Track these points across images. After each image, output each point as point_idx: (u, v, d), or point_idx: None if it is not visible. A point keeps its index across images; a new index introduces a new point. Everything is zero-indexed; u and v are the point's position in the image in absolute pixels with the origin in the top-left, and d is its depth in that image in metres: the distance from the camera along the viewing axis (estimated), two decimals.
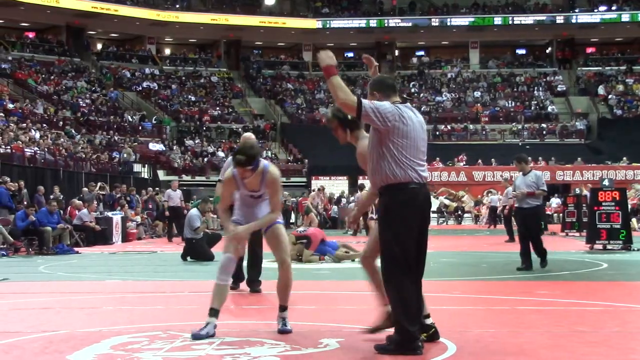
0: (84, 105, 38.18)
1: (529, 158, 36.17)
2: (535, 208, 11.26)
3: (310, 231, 13.65)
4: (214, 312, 5.65)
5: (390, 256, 4.92)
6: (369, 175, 5.13)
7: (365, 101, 4.81)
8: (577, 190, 24.69)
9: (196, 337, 5.47)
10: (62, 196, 19.51)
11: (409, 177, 4.91)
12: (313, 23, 49.13)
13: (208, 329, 5.59)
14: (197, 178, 35.82)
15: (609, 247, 15.47)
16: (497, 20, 48.80)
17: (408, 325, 4.87)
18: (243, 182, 5.76)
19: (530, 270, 10.87)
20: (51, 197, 19.27)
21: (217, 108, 44.42)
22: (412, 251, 4.96)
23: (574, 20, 48.89)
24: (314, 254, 12.75)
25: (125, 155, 31.61)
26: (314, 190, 30.97)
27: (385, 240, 4.95)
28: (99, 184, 23.56)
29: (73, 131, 33.03)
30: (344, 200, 32.19)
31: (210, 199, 15.44)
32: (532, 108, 45.19)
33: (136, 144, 35.74)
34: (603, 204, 15.65)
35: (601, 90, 45.66)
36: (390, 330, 5.14)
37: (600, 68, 48.94)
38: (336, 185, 37.40)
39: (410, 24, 49.18)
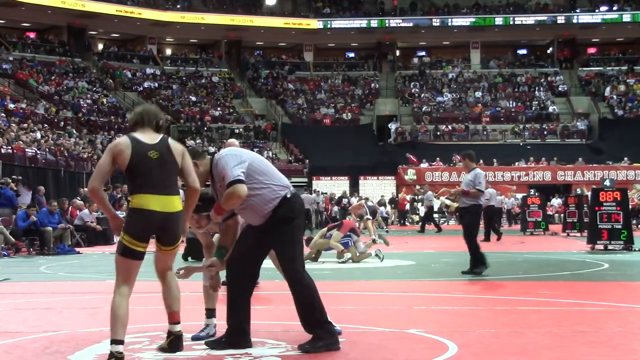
0: (84, 105, 38.20)
1: (532, 158, 36.16)
2: (470, 208, 10.58)
3: (345, 221, 14.61)
4: (210, 313, 5.69)
5: (302, 262, 5.17)
6: (243, 211, 5.14)
7: (237, 177, 4.92)
8: (578, 191, 24.68)
9: (196, 338, 5.49)
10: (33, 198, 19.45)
11: (286, 186, 5.13)
12: (314, 23, 49.11)
13: (208, 330, 5.62)
14: None
15: (610, 247, 15.46)
16: (498, 20, 48.77)
17: (327, 322, 5.10)
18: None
19: (487, 268, 10.31)
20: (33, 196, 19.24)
21: (218, 108, 44.45)
22: None
23: (575, 21, 48.84)
24: (342, 241, 12.97)
25: None
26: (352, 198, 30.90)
27: (297, 248, 5.15)
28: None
29: (74, 131, 33.03)
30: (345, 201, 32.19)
31: None
32: (533, 108, 45.15)
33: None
34: (604, 204, 15.64)
35: (608, 92, 45.59)
36: None
37: (601, 68, 48.89)
38: (337, 186, 37.46)
39: (411, 24, 49.15)
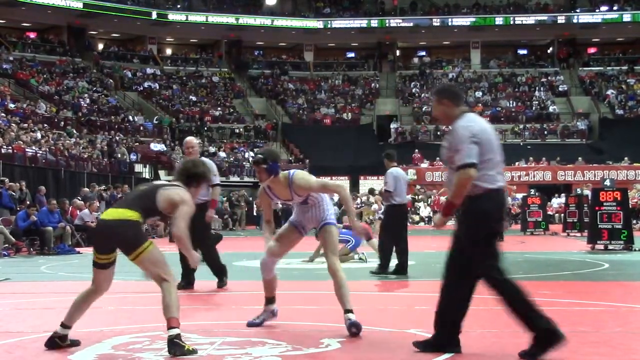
0: (84, 105, 38.21)
1: (532, 158, 36.04)
2: (386, 209, 10.67)
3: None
4: (268, 300, 6.12)
5: (493, 258, 4.90)
6: (449, 181, 4.96)
7: (469, 160, 4.68)
8: (579, 191, 24.67)
9: (251, 324, 5.96)
10: (27, 194, 19.46)
11: (500, 183, 4.85)
12: (314, 23, 49.14)
13: (264, 315, 6.08)
14: None
15: (610, 247, 15.46)
16: (499, 20, 48.76)
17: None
18: (274, 193, 5.98)
19: (385, 273, 10.29)
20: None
21: (218, 108, 44.45)
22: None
23: (575, 20, 48.84)
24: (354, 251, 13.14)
25: (119, 155, 31.70)
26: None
27: (476, 248, 4.88)
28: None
29: (74, 131, 33.04)
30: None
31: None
32: (534, 108, 45.14)
33: (137, 144, 35.77)
34: (604, 204, 15.64)
35: (610, 91, 45.56)
36: None
37: (601, 68, 48.89)
38: None
39: (411, 24, 49.15)
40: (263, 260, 6.10)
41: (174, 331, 4.96)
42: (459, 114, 4.93)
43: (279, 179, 5.87)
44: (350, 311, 5.75)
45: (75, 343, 5.26)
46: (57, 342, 5.14)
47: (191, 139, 9.50)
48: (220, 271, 9.22)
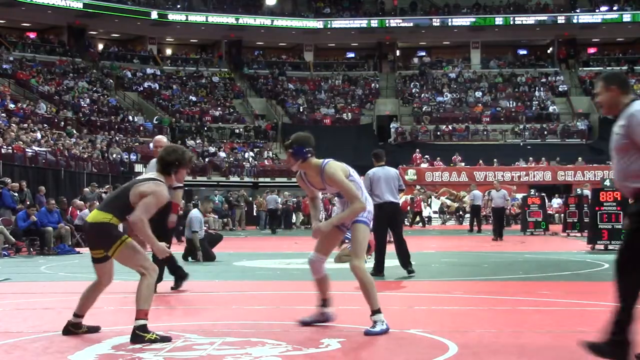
0: (85, 105, 38.22)
1: (532, 158, 35.98)
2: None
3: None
4: (320, 302, 6.11)
5: None
6: (621, 180, 4.75)
7: None
8: (579, 191, 24.66)
9: (302, 323, 5.99)
10: (27, 193, 19.43)
11: None
12: (314, 23, 49.15)
13: (315, 316, 6.07)
14: (199, 178, 35.83)
15: (610, 247, 15.44)
16: (499, 20, 48.78)
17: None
18: (309, 180, 5.94)
19: (379, 275, 10.05)
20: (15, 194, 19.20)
21: (218, 108, 44.46)
22: None
23: (575, 21, 48.86)
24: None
25: (114, 155, 31.72)
26: None
27: None
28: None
29: (74, 131, 33.05)
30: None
31: (210, 198, 15.47)
32: (534, 108, 45.16)
33: (137, 144, 35.78)
34: (604, 204, 15.64)
35: None
36: None
37: (601, 68, 48.85)
38: None
39: (411, 24, 49.18)
40: (310, 259, 6.07)
41: (140, 322, 5.35)
42: (628, 102, 4.58)
43: (310, 165, 5.81)
44: (376, 312, 5.72)
45: (93, 329, 5.72)
46: (70, 329, 5.63)
47: (160, 137, 9.36)
48: (178, 273, 8.84)
